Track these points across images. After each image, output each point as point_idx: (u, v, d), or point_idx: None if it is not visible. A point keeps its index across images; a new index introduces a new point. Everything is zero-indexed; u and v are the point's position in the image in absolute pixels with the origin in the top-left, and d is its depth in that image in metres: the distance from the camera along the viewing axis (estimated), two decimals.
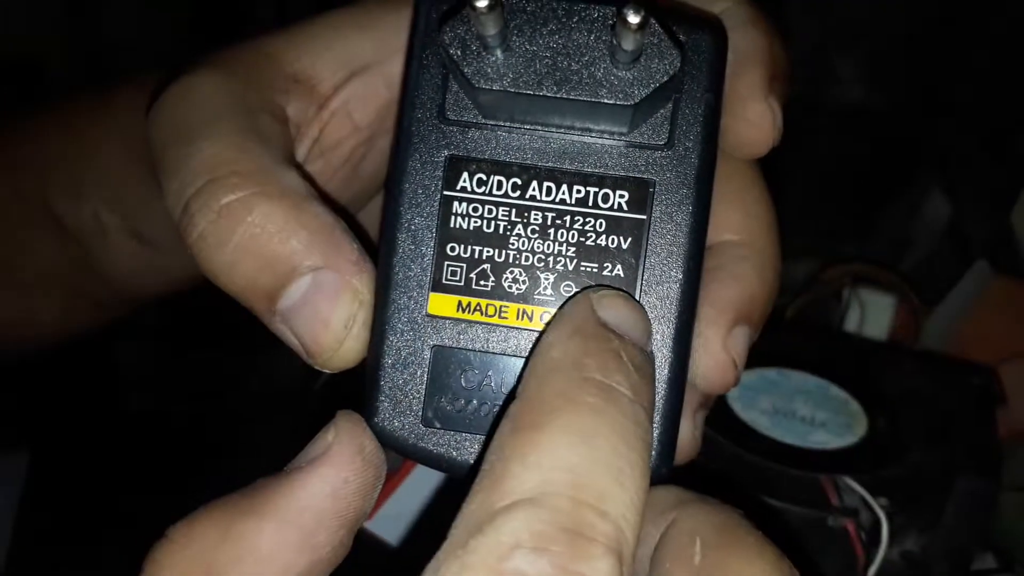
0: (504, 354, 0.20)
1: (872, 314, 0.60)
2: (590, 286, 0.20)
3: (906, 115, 0.69)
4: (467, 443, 0.20)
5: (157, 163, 0.21)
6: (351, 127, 0.25)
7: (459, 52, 0.19)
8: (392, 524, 0.45)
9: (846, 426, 0.42)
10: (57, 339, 0.40)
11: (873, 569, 0.37)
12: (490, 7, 0.17)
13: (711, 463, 0.39)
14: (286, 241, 0.19)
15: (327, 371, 0.20)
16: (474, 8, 0.17)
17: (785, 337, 0.50)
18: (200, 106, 0.21)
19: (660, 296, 0.20)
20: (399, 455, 0.21)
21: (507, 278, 0.20)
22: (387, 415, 0.20)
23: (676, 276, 0.20)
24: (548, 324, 0.19)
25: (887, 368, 0.47)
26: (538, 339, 0.19)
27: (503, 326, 0.20)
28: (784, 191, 0.78)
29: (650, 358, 0.19)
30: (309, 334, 0.20)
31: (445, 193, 0.20)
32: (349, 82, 0.24)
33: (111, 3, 0.75)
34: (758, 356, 0.46)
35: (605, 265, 0.20)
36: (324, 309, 0.19)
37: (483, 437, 0.20)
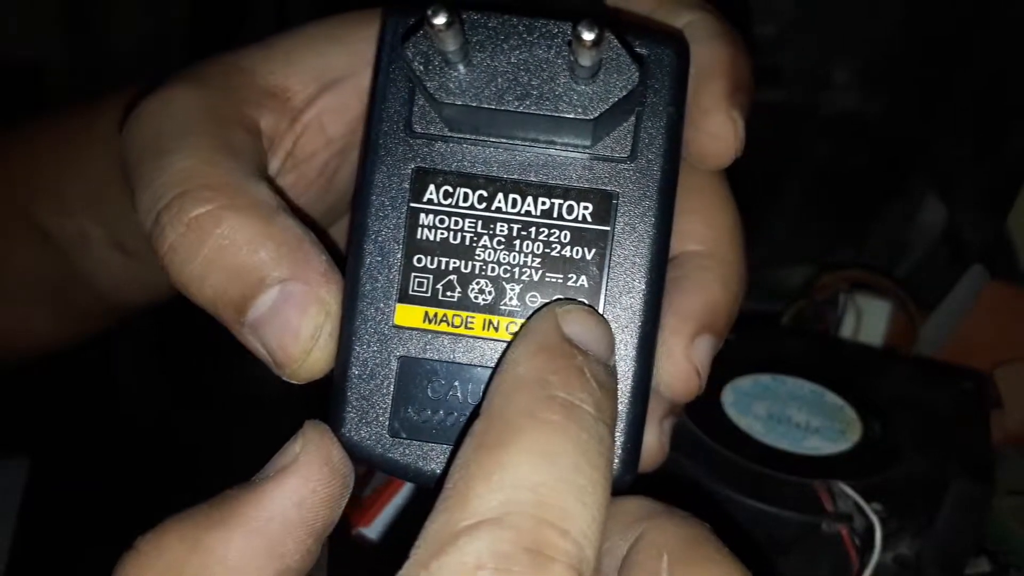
0: (470, 364, 0.21)
1: (868, 320, 0.60)
2: (556, 299, 0.20)
3: (901, 121, 0.69)
4: (434, 453, 0.21)
5: (130, 176, 0.22)
6: (324, 140, 0.25)
7: (422, 67, 0.19)
8: (390, 532, 0.46)
9: (840, 432, 0.43)
10: (50, 349, 0.41)
11: (867, 573, 0.37)
12: (447, 24, 0.18)
13: (705, 468, 0.39)
14: (254, 253, 0.20)
15: (294, 382, 0.21)
16: (432, 25, 0.18)
17: (780, 343, 0.50)
18: (172, 119, 0.22)
19: (624, 307, 0.20)
20: (366, 465, 0.21)
21: (473, 289, 0.20)
22: (353, 425, 0.21)
23: (639, 286, 0.20)
24: (514, 338, 0.19)
25: (881, 374, 0.47)
26: (503, 353, 0.19)
27: (469, 336, 0.20)
28: (780, 198, 0.78)
29: (613, 373, 0.19)
30: (277, 345, 0.20)
31: (412, 205, 0.21)
32: (322, 95, 0.24)
33: (111, 10, 0.75)
34: (753, 362, 0.46)
35: (570, 276, 0.20)
36: (292, 320, 0.20)
37: (450, 447, 0.20)
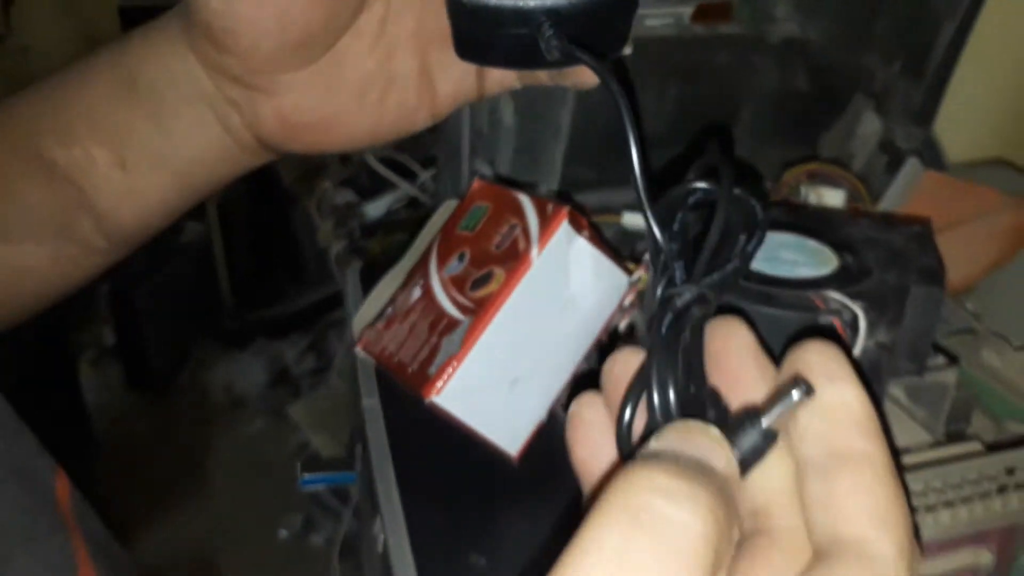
0: None
1: (828, 205, 0.73)
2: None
3: (837, 47, 0.81)
4: None
5: None
6: None
7: None
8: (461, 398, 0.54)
9: (823, 263, 0.54)
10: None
11: (857, 350, 0.48)
12: None
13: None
14: None
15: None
16: None
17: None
18: None
19: None
20: None
21: None
22: None
23: None
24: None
25: (849, 224, 0.59)
26: None
27: None
28: (736, 124, 0.90)
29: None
30: None
31: None
32: None
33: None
34: None
35: None
36: None
37: None
